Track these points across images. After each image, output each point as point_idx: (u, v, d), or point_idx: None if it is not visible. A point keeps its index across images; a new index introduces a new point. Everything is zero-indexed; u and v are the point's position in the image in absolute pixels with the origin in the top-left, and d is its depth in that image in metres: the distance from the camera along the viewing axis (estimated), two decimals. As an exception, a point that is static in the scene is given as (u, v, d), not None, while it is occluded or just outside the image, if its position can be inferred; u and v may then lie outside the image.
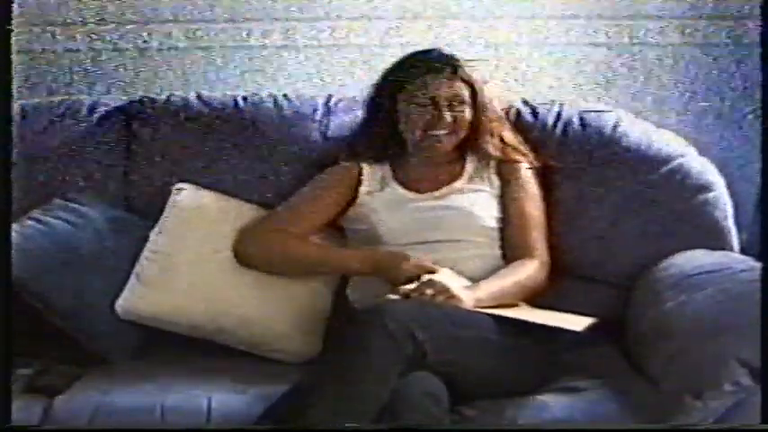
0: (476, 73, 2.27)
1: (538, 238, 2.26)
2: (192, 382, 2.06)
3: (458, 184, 2.29)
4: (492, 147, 2.29)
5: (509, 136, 2.33)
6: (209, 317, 2.21)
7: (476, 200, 2.27)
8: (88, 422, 1.96)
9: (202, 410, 1.96)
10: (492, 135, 2.29)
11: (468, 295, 2.03)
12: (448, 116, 2.22)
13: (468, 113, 2.25)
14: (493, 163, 2.31)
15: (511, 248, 2.25)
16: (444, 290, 2.00)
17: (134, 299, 2.22)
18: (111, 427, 1.97)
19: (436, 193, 2.28)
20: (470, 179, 2.30)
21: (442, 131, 2.24)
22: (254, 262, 2.24)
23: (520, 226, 2.26)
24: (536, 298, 2.19)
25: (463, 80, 2.24)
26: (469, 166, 2.32)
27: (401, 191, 2.29)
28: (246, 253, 2.24)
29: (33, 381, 2.06)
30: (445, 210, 2.25)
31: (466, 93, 2.24)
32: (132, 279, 2.24)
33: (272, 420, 1.85)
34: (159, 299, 2.22)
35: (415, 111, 2.24)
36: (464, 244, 2.21)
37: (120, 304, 2.21)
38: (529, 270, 2.20)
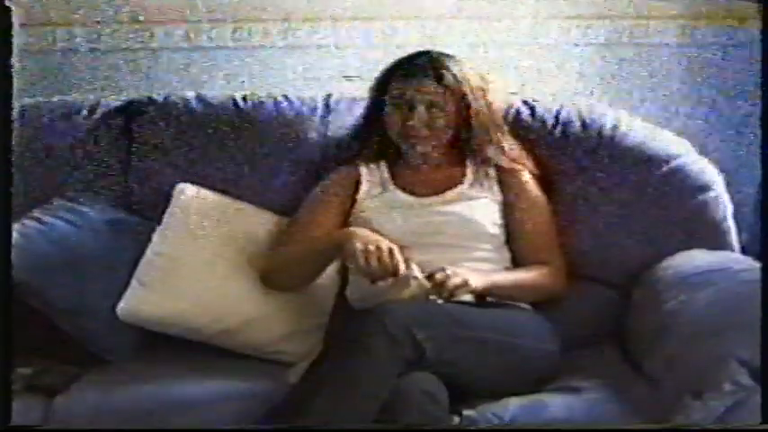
0: (476, 77, 2.26)
1: (550, 246, 2.28)
2: (193, 381, 2.06)
3: (458, 190, 2.28)
4: (490, 154, 2.28)
5: (508, 145, 2.32)
6: (210, 320, 2.20)
7: (476, 206, 2.26)
8: (88, 422, 1.96)
9: (202, 410, 1.96)
10: (489, 142, 2.28)
11: (476, 278, 2.05)
12: (423, 121, 2.21)
13: (449, 117, 2.23)
14: (493, 171, 2.30)
15: (522, 259, 2.27)
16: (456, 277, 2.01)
17: (136, 302, 2.22)
18: (111, 427, 1.97)
19: (436, 198, 2.27)
20: (471, 185, 2.29)
21: (417, 136, 2.23)
22: (280, 286, 2.24)
23: (530, 239, 2.27)
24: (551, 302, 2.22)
25: (448, 86, 2.21)
26: (470, 171, 2.31)
27: (401, 194, 2.29)
28: (270, 282, 2.24)
29: (33, 381, 2.06)
30: (445, 215, 2.24)
31: (447, 98, 2.21)
32: (134, 282, 2.24)
33: (272, 420, 1.85)
34: (161, 302, 2.21)
35: (393, 114, 2.24)
36: (465, 249, 2.21)
37: (122, 307, 2.21)
38: (542, 272, 2.22)
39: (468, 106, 2.23)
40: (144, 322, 2.22)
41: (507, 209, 2.29)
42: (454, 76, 2.22)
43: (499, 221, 2.27)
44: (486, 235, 2.24)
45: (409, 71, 2.23)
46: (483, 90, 2.27)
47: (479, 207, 2.26)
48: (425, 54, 2.26)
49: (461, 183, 2.30)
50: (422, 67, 2.23)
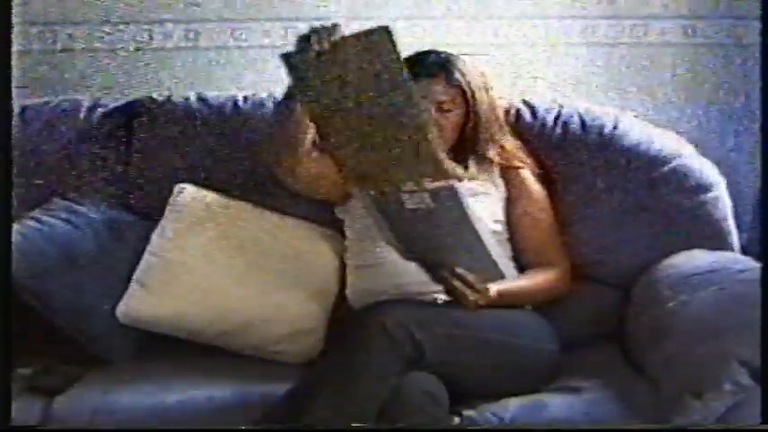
0: (479, 77, 2.26)
1: (553, 245, 2.27)
2: (192, 382, 2.06)
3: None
4: (492, 152, 2.28)
5: (510, 144, 2.32)
6: (210, 321, 2.21)
7: (478, 203, 2.26)
8: (88, 422, 1.96)
9: (202, 410, 1.97)
10: (492, 141, 2.28)
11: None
12: (433, 121, 2.21)
13: (456, 118, 2.23)
14: (495, 169, 2.30)
15: (528, 260, 2.26)
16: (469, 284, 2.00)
17: (135, 303, 2.22)
18: (111, 427, 1.97)
19: (437, 195, 2.27)
20: (474, 181, 2.30)
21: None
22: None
23: (532, 236, 2.27)
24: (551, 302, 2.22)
25: (455, 85, 2.21)
26: (472, 168, 2.31)
27: (401, 192, 2.29)
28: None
29: (33, 381, 2.06)
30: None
31: (456, 98, 2.21)
32: (133, 284, 2.24)
33: (272, 420, 1.85)
34: (160, 303, 2.21)
35: None
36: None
37: (122, 309, 2.21)
38: (549, 276, 2.22)
39: (475, 106, 2.23)
40: (143, 323, 2.22)
41: (509, 206, 2.29)
42: (463, 75, 2.22)
43: (501, 218, 2.27)
44: (488, 232, 2.24)
45: (419, 70, 2.22)
46: (487, 89, 2.27)
47: (482, 204, 2.26)
48: (433, 53, 2.25)
49: (463, 180, 2.29)
50: (431, 66, 2.22)
